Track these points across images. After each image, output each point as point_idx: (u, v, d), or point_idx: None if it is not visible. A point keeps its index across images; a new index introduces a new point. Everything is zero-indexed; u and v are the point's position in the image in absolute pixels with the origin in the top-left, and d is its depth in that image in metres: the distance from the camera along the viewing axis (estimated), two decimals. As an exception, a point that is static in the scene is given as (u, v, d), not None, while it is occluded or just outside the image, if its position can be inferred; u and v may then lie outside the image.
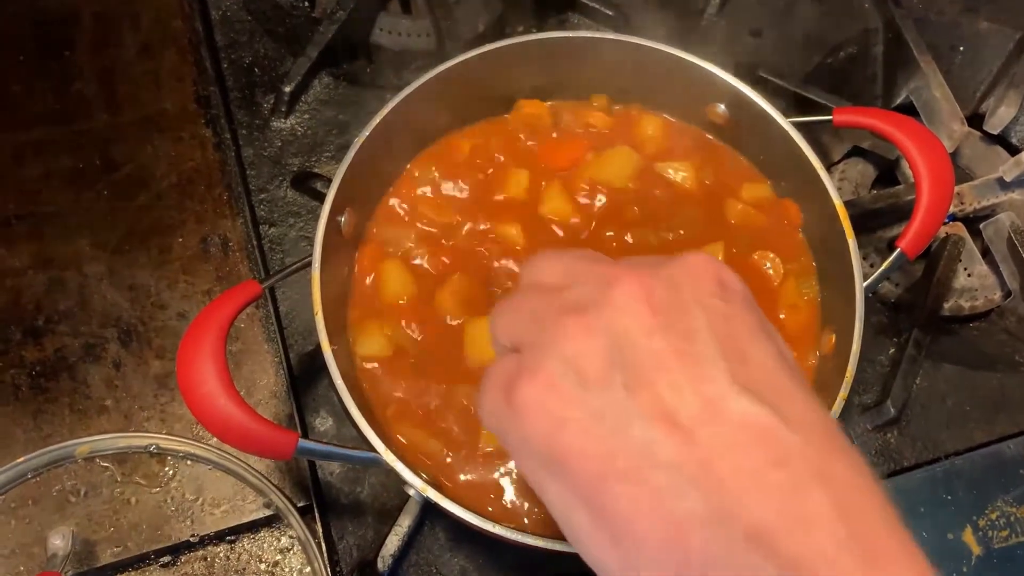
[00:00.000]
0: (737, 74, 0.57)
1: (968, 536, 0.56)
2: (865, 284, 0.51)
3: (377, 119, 0.53)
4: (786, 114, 0.56)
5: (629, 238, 0.57)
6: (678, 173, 0.59)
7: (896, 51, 0.70)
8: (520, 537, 0.44)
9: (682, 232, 0.57)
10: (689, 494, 0.26)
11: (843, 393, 0.48)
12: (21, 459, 0.54)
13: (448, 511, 0.45)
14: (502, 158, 0.60)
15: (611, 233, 0.57)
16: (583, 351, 0.28)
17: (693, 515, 0.26)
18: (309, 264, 0.50)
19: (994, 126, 0.68)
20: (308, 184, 0.65)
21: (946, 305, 0.63)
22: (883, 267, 0.53)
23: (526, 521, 0.48)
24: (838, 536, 0.25)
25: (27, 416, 0.57)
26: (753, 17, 0.75)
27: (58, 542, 0.52)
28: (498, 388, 0.30)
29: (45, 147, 0.66)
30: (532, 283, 0.33)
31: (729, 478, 0.26)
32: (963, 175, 0.68)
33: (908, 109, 0.68)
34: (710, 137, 0.62)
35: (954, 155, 0.67)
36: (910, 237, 0.53)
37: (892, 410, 0.59)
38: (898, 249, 0.53)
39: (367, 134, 0.53)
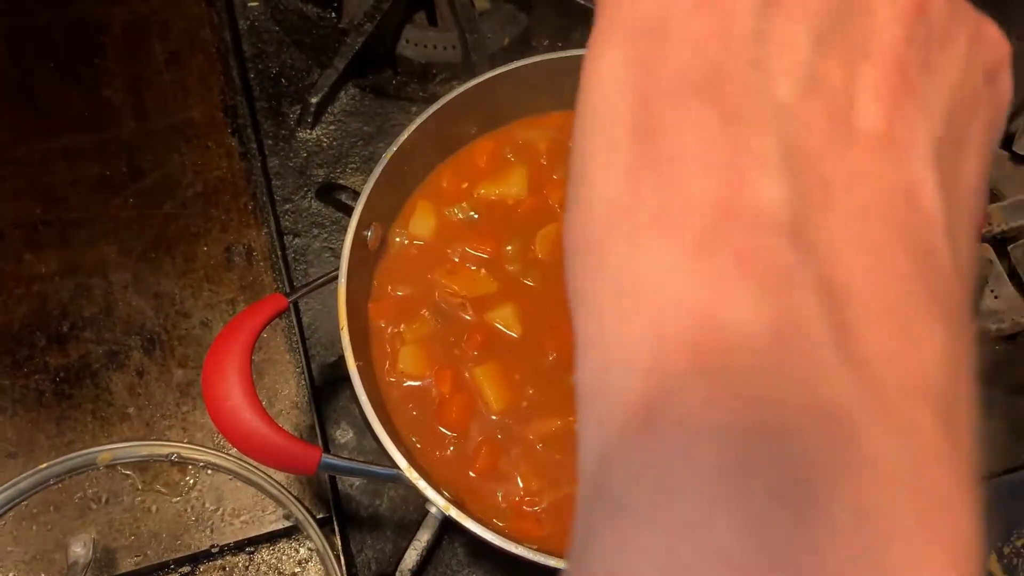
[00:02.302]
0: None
1: (993, 564, 0.55)
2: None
3: (405, 135, 0.53)
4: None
5: None
6: None
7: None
8: (541, 558, 0.44)
9: None
10: (779, 185, 0.17)
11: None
12: (44, 465, 0.54)
13: (469, 529, 0.44)
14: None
15: None
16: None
17: (770, 204, 0.17)
18: (335, 278, 0.50)
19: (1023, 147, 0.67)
20: (333, 195, 0.65)
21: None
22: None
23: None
24: (932, 388, 0.16)
25: (50, 422, 0.58)
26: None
27: (79, 549, 0.53)
28: None
29: (73, 153, 0.67)
30: None
31: (844, 248, 0.17)
32: (991, 196, 0.67)
33: (936, 129, 0.67)
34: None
35: (983, 176, 0.66)
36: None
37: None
38: (926, 273, 0.52)
39: (394, 150, 0.53)
